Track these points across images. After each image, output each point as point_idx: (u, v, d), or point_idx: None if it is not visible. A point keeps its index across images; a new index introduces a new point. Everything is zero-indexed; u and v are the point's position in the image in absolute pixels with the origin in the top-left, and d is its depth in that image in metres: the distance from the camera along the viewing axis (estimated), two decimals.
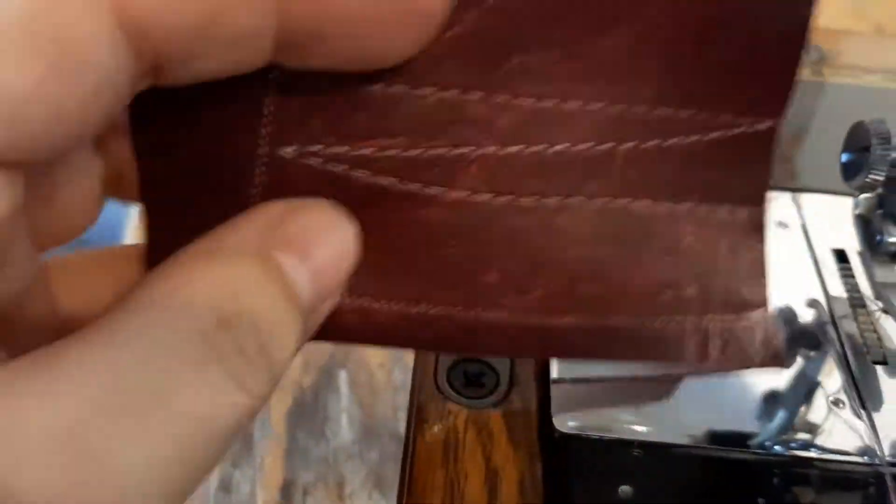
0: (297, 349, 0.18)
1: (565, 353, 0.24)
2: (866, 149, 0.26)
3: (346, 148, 0.21)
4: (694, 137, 0.25)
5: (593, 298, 0.24)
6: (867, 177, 0.26)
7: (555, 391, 0.26)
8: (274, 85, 0.19)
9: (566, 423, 0.25)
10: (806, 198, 0.37)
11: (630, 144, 0.24)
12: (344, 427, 0.46)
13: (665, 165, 0.25)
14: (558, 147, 0.23)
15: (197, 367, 0.15)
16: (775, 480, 0.26)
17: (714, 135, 0.25)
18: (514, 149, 0.22)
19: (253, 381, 0.16)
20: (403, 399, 0.48)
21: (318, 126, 0.20)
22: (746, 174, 0.25)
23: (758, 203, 0.26)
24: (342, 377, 0.49)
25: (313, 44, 0.17)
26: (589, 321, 0.24)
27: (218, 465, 0.47)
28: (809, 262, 0.34)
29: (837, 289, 0.32)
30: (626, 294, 0.24)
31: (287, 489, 0.45)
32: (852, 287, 0.32)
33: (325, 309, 0.19)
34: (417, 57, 0.20)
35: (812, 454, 0.27)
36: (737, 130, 0.25)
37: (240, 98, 0.20)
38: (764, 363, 0.25)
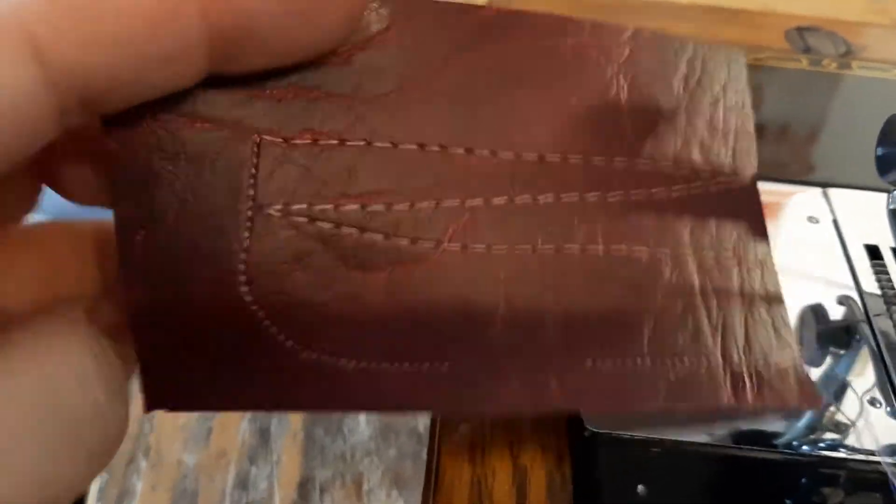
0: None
1: (592, 401, 0.23)
2: None
3: (331, 206, 0.20)
4: (679, 187, 0.25)
5: (607, 340, 0.23)
6: None
7: None
8: (257, 147, 0.19)
9: (596, 421, 0.25)
10: (837, 193, 0.36)
11: (617, 194, 0.24)
12: (362, 424, 0.45)
13: (656, 214, 0.24)
14: (545, 198, 0.23)
15: None
16: (803, 481, 0.26)
17: (699, 187, 0.25)
18: (499, 201, 0.22)
19: None
20: None
21: (302, 185, 0.20)
22: (742, 224, 0.25)
23: (762, 244, 0.26)
24: None
25: (246, 43, 0.17)
26: (608, 363, 0.23)
27: (235, 462, 0.47)
28: (841, 257, 0.33)
29: (871, 285, 0.32)
30: (639, 335, 0.24)
31: (304, 486, 0.44)
32: (886, 284, 0.32)
33: None
34: (396, 116, 0.21)
35: (842, 454, 0.26)
36: (719, 185, 0.25)
37: (224, 160, 0.19)
38: (800, 403, 0.25)
